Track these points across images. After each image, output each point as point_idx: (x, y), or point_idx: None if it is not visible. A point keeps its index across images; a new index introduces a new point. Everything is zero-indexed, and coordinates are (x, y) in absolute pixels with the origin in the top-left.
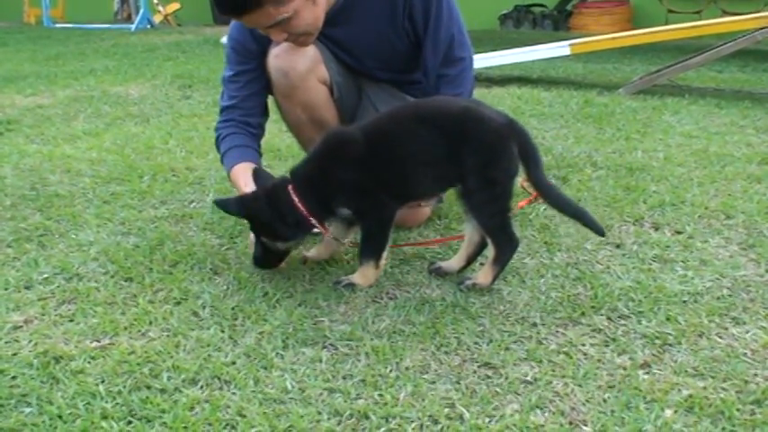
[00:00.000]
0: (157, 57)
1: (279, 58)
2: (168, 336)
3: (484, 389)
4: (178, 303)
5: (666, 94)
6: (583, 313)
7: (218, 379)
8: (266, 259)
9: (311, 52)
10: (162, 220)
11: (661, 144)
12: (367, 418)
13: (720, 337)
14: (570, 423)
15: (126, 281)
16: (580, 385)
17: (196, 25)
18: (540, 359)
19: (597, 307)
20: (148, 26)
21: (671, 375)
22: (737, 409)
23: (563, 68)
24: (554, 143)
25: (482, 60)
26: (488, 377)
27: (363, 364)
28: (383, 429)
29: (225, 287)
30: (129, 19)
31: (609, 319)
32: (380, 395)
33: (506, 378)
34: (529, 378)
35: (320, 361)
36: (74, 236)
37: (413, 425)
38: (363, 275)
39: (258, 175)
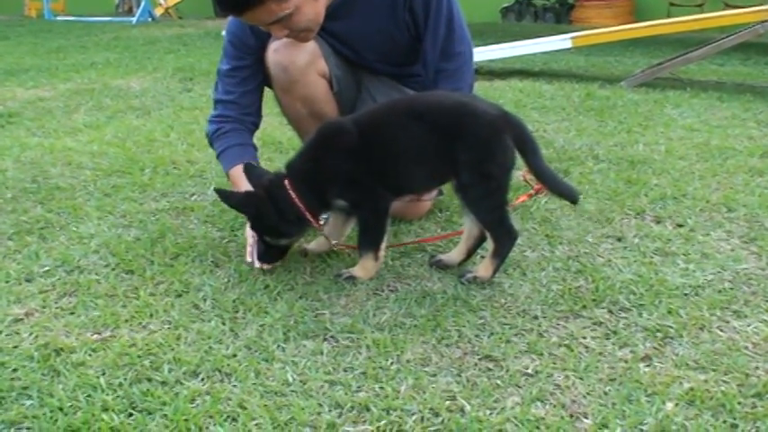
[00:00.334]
0: (158, 50)
1: (278, 52)
2: (169, 328)
3: (485, 381)
4: (179, 296)
5: (668, 87)
6: (584, 306)
7: (219, 371)
8: (269, 255)
9: (310, 46)
10: (163, 213)
11: (663, 137)
12: (368, 410)
13: (722, 331)
14: (571, 416)
15: (127, 273)
16: (581, 378)
17: (197, 18)
18: (540, 352)
19: (598, 300)
20: (150, 19)
21: (672, 368)
22: (739, 403)
23: (565, 61)
24: (556, 136)
25: (484, 53)
26: (489, 370)
27: (364, 356)
28: (384, 422)
29: (226, 280)
30: (130, 12)
31: (610, 311)
32: (381, 388)
33: (507, 371)
34: (530, 371)
35: (321, 353)
36: (75, 228)
37: (414, 417)
38: (363, 268)
39: (250, 171)
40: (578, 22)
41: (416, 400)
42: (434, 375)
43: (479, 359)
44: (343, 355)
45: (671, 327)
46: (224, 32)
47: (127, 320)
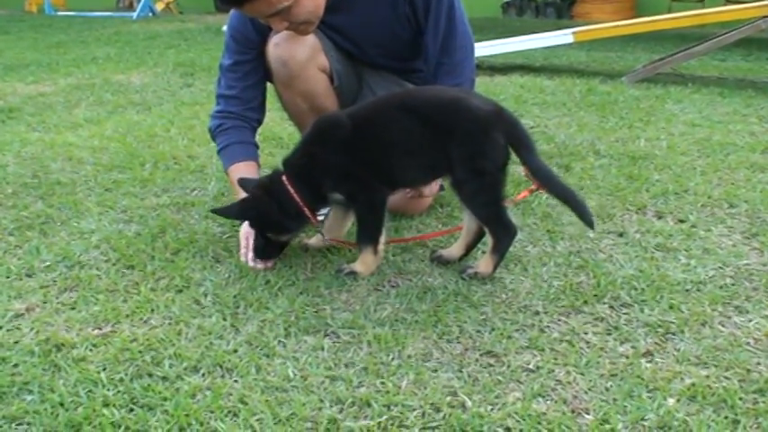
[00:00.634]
0: (159, 45)
1: (278, 47)
2: (170, 324)
3: (486, 377)
4: (180, 291)
5: (669, 82)
6: (585, 302)
7: (220, 367)
8: (267, 251)
9: (311, 41)
10: (164, 208)
11: (664, 133)
12: (369, 405)
13: (723, 326)
14: (572, 411)
15: (128, 269)
16: (582, 374)
17: (198, 13)
18: (542, 347)
19: (600, 295)
20: (150, 14)
21: (673, 364)
22: (740, 398)
23: (566, 57)
24: (557, 131)
25: (485, 48)
26: (490, 365)
27: (365, 352)
28: (385, 417)
29: (227, 275)
30: (130, 7)
31: (611, 307)
32: (382, 383)
33: (508, 366)
34: (531, 366)
35: (322, 349)
36: (75, 224)
37: (415, 413)
38: (364, 263)
39: (245, 185)
40: (579, 17)
41: (417, 395)
42: (435, 371)
43: (480, 355)
44: (344, 351)
45: (672, 322)
46: (225, 27)
47: (128, 316)
